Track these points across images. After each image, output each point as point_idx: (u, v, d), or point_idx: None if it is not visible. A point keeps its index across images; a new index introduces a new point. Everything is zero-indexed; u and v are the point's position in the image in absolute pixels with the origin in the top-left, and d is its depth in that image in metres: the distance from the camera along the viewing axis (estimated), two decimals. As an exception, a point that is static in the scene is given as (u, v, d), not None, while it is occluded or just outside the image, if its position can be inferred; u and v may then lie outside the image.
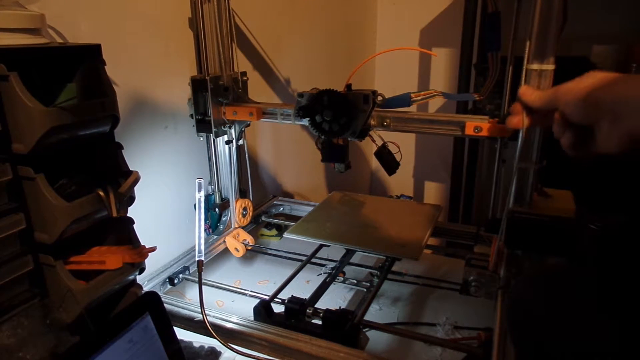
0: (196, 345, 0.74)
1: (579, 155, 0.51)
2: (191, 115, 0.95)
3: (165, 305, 0.62)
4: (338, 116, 0.80)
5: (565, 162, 0.60)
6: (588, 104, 0.44)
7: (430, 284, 0.95)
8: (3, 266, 0.56)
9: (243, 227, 1.10)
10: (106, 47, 0.63)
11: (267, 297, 0.81)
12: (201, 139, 0.99)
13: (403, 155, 0.85)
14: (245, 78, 1.02)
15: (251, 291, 0.90)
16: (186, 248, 0.98)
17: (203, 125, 0.95)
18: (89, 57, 0.62)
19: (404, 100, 0.80)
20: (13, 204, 0.56)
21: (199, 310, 0.72)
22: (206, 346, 0.74)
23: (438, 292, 0.93)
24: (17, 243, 0.57)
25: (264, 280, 1.01)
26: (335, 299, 0.92)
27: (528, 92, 0.56)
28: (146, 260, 0.68)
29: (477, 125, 0.77)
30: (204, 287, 0.78)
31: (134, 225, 0.69)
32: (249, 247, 1.06)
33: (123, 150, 0.68)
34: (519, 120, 0.58)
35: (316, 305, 0.77)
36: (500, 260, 0.81)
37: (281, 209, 1.26)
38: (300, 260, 0.97)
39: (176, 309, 0.76)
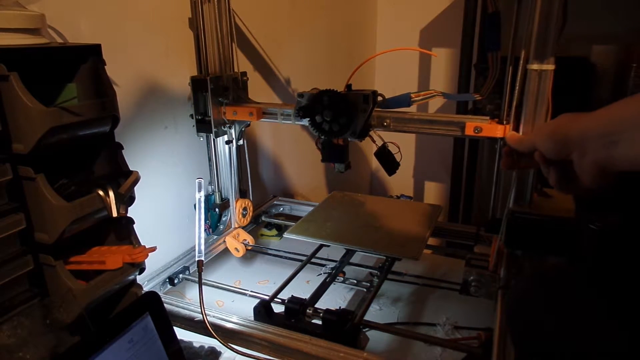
0: (196, 345, 0.74)
1: (568, 192, 0.54)
2: (191, 115, 0.96)
3: (165, 305, 0.61)
4: (338, 116, 0.80)
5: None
6: (557, 140, 0.48)
7: (430, 284, 0.95)
8: (3, 266, 0.56)
9: (243, 227, 1.10)
10: (106, 47, 0.63)
11: (267, 297, 0.81)
12: (201, 139, 0.99)
13: (403, 155, 0.85)
14: (245, 78, 1.02)
15: (251, 291, 0.90)
16: (186, 248, 0.98)
17: (203, 125, 0.95)
18: (89, 57, 0.62)
19: (404, 100, 0.80)
20: (13, 204, 0.56)
21: (199, 310, 0.72)
22: (206, 346, 0.74)
23: (438, 292, 0.93)
24: (17, 243, 0.57)
25: (264, 280, 1.01)
26: (335, 299, 0.92)
27: (512, 138, 0.62)
28: (146, 260, 0.68)
29: (477, 126, 0.77)
30: (204, 287, 0.78)
31: (134, 225, 0.69)
32: (249, 247, 1.06)
33: (123, 150, 0.68)
34: (511, 163, 0.63)
35: (316, 305, 0.77)
36: (500, 260, 0.82)
37: (281, 209, 1.26)
38: (300, 260, 0.97)
39: (176, 309, 0.76)
